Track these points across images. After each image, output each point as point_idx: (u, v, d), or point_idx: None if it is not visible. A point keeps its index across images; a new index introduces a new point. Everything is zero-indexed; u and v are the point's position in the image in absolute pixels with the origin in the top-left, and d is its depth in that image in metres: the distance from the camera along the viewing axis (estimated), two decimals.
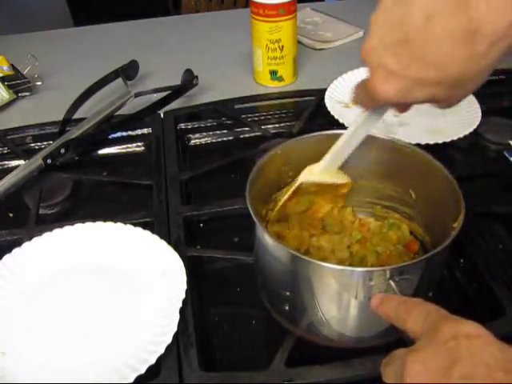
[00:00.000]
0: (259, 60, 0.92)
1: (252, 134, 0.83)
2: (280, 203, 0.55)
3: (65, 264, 0.60)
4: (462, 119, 0.79)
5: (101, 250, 0.61)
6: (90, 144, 0.81)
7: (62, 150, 0.75)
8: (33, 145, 0.83)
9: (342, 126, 0.76)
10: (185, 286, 0.54)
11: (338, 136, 0.52)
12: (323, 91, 0.85)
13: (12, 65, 0.96)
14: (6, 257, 0.59)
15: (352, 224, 0.59)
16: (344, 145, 0.51)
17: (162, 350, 0.49)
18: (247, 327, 0.56)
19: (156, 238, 0.60)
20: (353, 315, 0.47)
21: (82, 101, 0.82)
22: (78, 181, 0.76)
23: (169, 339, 0.50)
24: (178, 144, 0.79)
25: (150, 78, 0.97)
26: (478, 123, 0.77)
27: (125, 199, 0.74)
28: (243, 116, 0.85)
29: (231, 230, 0.66)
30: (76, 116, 0.81)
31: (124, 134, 0.83)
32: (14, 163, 0.80)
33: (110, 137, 0.82)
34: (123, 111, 0.86)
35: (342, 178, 0.56)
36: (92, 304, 0.56)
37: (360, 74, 0.89)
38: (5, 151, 0.82)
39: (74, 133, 0.79)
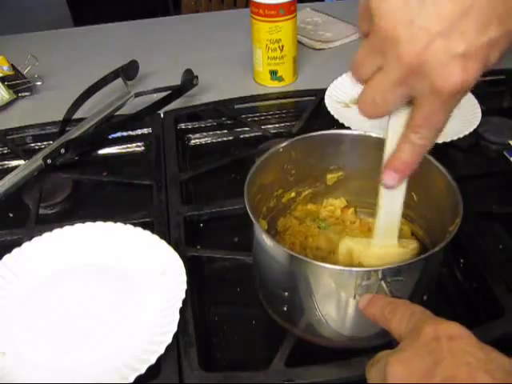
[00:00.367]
0: (259, 60, 0.92)
1: (252, 134, 0.83)
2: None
3: (65, 264, 0.60)
4: (462, 119, 0.79)
5: (101, 250, 0.61)
6: (90, 144, 0.81)
7: (62, 150, 0.75)
8: (33, 145, 0.83)
9: (342, 126, 0.76)
10: (185, 286, 0.54)
11: (337, 136, 0.52)
12: (323, 91, 0.85)
13: (12, 65, 0.96)
14: (6, 257, 0.59)
15: (353, 224, 0.59)
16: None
17: (162, 350, 0.49)
18: (247, 327, 0.57)
19: (156, 238, 0.60)
20: (351, 315, 0.47)
21: (82, 101, 0.82)
22: (78, 181, 0.76)
23: (169, 339, 0.50)
24: (177, 144, 0.79)
25: (150, 78, 0.97)
26: (477, 123, 0.77)
27: (125, 199, 0.74)
28: (243, 116, 0.85)
29: (231, 230, 0.66)
30: (76, 116, 0.81)
31: (124, 133, 0.83)
32: (14, 163, 0.80)
33: (110, 137, 0.82)
34: (123, 111, 0.86)
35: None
36: (92, 304, 0.56)
37: None
38: (5, 151, 0.82)
39: (74, 133, 0.79)
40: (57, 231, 0.62)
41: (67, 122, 0.80)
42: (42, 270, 0.59)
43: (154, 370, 0.49)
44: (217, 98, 0.88)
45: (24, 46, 1.09)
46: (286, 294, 0.49)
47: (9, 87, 0.92)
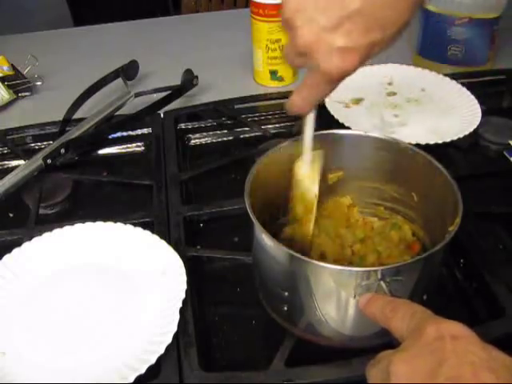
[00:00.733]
0: (259, 60, 0.92)
1: (252, 134, 0.83)
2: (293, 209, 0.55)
3: (65, 264, 0.60)
4: (462, 119, 0.79)
5: (101, 250, 0.61)
6: (90, 144, 0.81)
7: (62, 150, 0.75)
8: (33, 145, 0.83)
9: (342, 126, 0.76)
10: (185, 286, 0.54)
11: (337, 136, 0.52)
12: None
13: (12, 65, 0.96)
14: (6, 257, 0.59)
15: (356, 222, 0.59)
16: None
17: (162, 350, 0.49)
18: (247, 327, 0.56)
19: (156, 238, 0.60)
20: (351, 314, 0.47)
21: (82, 101, 0.82)
22: (78, 181, 0.76)
23: (169, 339, 0.50)
24: (177, 144, 0.79)
25: (150, 78, 0.97)
26: (477, 123, 0.77)
27: (125, 199, 0.74)
28: (243, 116, 0.84)
29: (231, 230, 0.66)
30: (76, 116, 0.81)
31: (124, 133, 0.83)
32: (14, 163, 0.80)
33: (110, 137, 0.82)
34: (123, 111, 0.86)
35: (319, 154, 0.55)
36: (92, 304, 0.56)
37: (360, 73, 0.88)
38: (5, 151, 0.82)
39: (74, 133, 0.79)
40: (57, 231, 0.62)
41: (67, 121, 0.80)
42: (42, 270, 0.59)
43: (153, 370, 0.48)
44: (217, 98, 0.88)
45: (24, 46, 1.09)
46: (286, 293, 0.49)
47: (9, 87, 0.92)
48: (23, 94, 0.95)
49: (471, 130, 0.76)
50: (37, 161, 0.73)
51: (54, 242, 0.61)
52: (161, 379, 0.49)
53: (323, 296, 0.46)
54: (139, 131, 0.84)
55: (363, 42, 0.41)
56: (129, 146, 0.83)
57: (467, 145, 0.76)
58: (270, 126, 0.84)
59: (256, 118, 0.85)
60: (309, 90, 0.47)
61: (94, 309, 0.55)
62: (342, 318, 0.47)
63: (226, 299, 0.60)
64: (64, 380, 0.49)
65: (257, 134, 0.82)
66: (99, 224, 0.62)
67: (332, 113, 0.80)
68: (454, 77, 0.86)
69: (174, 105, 0.86)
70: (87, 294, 0.57)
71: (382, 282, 0.43)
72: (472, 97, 0.81)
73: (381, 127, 0.79)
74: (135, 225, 0.62)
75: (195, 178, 0.74)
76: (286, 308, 0.51)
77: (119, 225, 0.62)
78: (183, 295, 0.53)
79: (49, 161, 0.73)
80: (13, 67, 0.96)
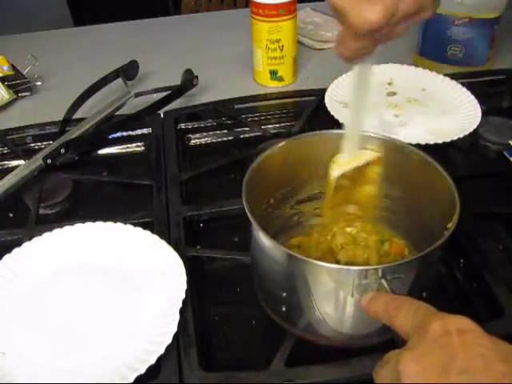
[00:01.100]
0: (259, 60, 0.92)
1: (252, 134, 0.83)
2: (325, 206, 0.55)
3: (65, 264, 0.60)
4: (462, 119, 0.79)
5: (101, 250, 0.61)
6: (90, 144, 0.81)
7: (62, 150, 0.75)
8: (33, 145, 0.83)
9: (342, 126, 0.76)
10: (185, 286, 0.54)
11: (336, 136, 0.52)
12: (323, 91, 0.85)
13: (12, 65, 0.96)
14: (6, 257, 0.59)
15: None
16: (354, 120, 0.51)
17: (162, 350, 0.49)
18: (247, 327, 0.57)
19: (156, 237, 0.60)
20: (350, 313, 0.47)
21: (82, 101, 0.82)
22: (78, 181, 0.76)
23: (169, 339, 0.50)
24: (177, 144, 0.79)
25: (150, 78, 0.97)
26: (477, 123, 0.77)
27: (125, 199, 0.74)
28: (243, 116, 0.85)
29: (231, 230, 0.66)
30: (76, 116, 0.81)
31: (124, 133, 0.83)
32: (14, 163, 0.80)
33: (110, 137, 0.82)
34: (123, 111, 0.86)
35: (370, 155, 0.53)
36: (92, 304, 0.56)
37: None
38: (5, 151, 0.82)
39: (74, 133, 0.79)
40: (57, 231, 0.62)
41: (67, 121, 0.80)
42: (42, 270, 0.59)
43: (154, 370, 0.48)
44: (217, 98, 0.88)
45: (24, 46, 1.09)
46: (285, 294, 0.49)
47: (9, 87, 0.92)
48: (23, 93, 0.95)
49: (471, 130, 0.76)
50: (37, 161, 0.73)
51: (54, 242, 0.61)
52: (161, 379, 0.49)
53: (322, 295, 0.46)
54: (139, 131, 0.84)
55: None
56: (129, 146, 0.83)
57: (467, 145, 0.76)
58: (269, 126, 0.84)
59: (256, 118, 0.85)
60: (343, 45, 0.45)
61: (94, 309, 0.55)
62: (340, 317, 0.47)
63: (225, 299, 0.60)
64: (64, 380, 0.49)
65: (257, 134, 0.82)
66: (99, 224, 0.62)
67: (332, 113, 0.80)
68: (454, 77, 0.86)
69: (174, 105, 0.86)
70: (87, 294, 0.57)
71: (383, 280, 0.42)
72: (472, 97, 0.81)
73: (381, 127, 0.79)
74: (135, 225, 0.62)
75: (195, 178, 0.74)
76: (284, 309, 0.50)
77: (119, 225, 0.62)
78: (183, 295, 0.53)
79: (49, 161, 0.73)
80: (13, 67, 0.96)
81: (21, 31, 1.19)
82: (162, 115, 0.85)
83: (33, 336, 0.53)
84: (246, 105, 0.87)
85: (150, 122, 0.83)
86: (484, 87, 0.88)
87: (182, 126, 0.84)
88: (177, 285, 0.55)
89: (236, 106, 0.86)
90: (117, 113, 0.86)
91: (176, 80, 0.89)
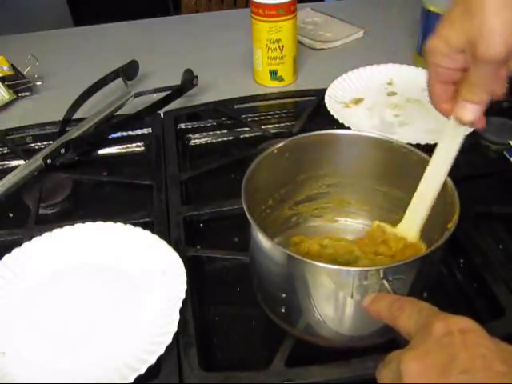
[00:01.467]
0: (259, 60, 0.92)
1: (252, 134, 0.83)
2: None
3: (65, 264, 0.60)
4: None
5: (101, 250, 0.61)
6: (90, 144, 0.81)
7: (62, 150, 0.75)
8: (33, 145, 0.83)
9: (342, 126, 0.76)
10: (185, 286, 0.54)
11: (336, 136, 0.52)
12: (323, 91, 0.85)
13: (12, 65, 0.96)
14: (6, 257, 0.59)
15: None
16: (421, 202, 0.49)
17: (162, 350, 0.49)
18: (247, 327, 0.56)
19: (156, 237, 0.60)
20: (349, 314, 0.47)
21: (82, 101, 0.82)
22: (77, 181, 0.76)
23: (169, 339, 0.50)
24: (177, 144, 0.79)
25: (150, 78, 0.97)
26: None
27: (125, 199, 0.74)
28: (243, 116, 0.85)
29: (231, 230, 0.66)
30: (76, 116, 0.81)
31: (124, 133, 0.83)
32: (14, 163, 0.80)
33: (110, 137, 0.82)
34: (123, 111, 0.86)
35: (412, 237, 0.51)
36: (92, 304, 0.56)
37: (360, 74, 0.89)
38: (5, 151, 0.82)
39: (74, 133, 0.79)
40: (57, 231, 0.62)
41: (67, 121, 0.80)
42: (42, 270, 0.59)
43: (153, 370, 0.48)
44: (217, 98, 0.88)
45: (24, 46, 1.09)
46: (284, 295, 0.49)
47: (9, 87, 0.92)
48: (23, 94, 0.95)
49: (471, 130, 0.75)
50: (37, 161, 0.73)
51: (54, 242, 0.61)
52: (161, 379, 0.49)
53: (321, 296, 0.46)
54: (139, 131, 0.84)
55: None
56: (129, 146, 0.83)
57: (467, 145, 0.76)
58: (269, 126, 0.84)
59: (256, 118, 0.85)
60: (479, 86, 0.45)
61: (94, 309, 0.55)
62: (340, 318, 0.47)
63: (225, 299, 0.60)
64: (64, 380, 0.49)
65: (257, 134, 0.82)
66: (99, 224, 0.62)
67: (332, 113, 0.80)
68: None
69: (174, 105, 0.86)
70: (87, 294, 0.57)
71: (384, 281, 0.42)
72: None
73: (381, 127, 0.79)
74: (135, 225, 0.62)
75: (195, 178, 0.74)
76: (283, 310, 0.50)
77: (119, 225, 0.62)
78: (183, 295, 0.53)
79: (49, 161, 0.73)
80: (13, 67, 0.96)
81: (21, 31, 1.19)
82: (161, 115, 0.85)
83: (33, 336, 0.53)
84: (246, 105, 0.87)
85: (150, 122, 0.83)
86: None
87: (182, 126, 0.84)
88: (177, 285, 0.55)
89: (236, 106, 0.86)
90: (117, 113, 0.86)
91: (176, 80, 0.89)
